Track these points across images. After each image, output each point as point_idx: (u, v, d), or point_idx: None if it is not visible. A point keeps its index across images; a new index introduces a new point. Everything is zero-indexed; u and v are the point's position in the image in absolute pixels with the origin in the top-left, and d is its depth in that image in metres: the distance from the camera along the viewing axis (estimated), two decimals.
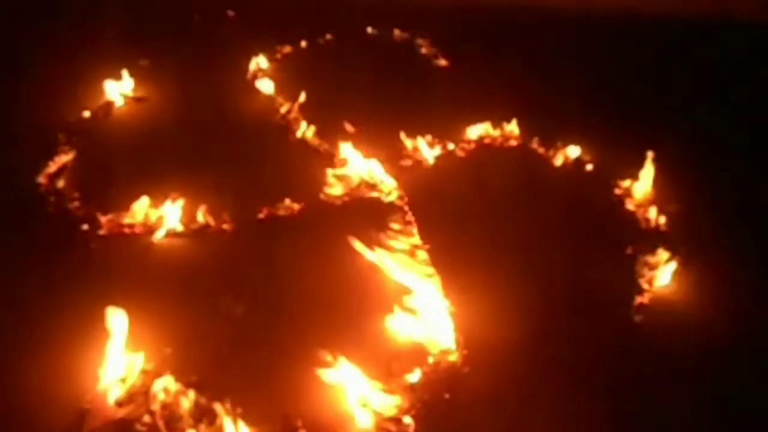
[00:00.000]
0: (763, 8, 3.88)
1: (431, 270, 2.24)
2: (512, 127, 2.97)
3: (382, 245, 2.28)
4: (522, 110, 3.03)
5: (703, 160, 2.86)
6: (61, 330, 1.96)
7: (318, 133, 2.91)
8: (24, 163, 2.61)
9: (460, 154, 2.88)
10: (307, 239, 2.40)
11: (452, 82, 3.37)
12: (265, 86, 3.23)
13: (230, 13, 3.84)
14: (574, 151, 2.84)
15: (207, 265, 2.30)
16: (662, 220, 2.53)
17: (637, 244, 2.42)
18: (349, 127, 2.91)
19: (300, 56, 3.53)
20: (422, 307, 2.09)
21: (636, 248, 2.40)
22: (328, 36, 3.65)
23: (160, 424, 1.75)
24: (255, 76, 3.30)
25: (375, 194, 2.62)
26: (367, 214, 2.51)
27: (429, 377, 1.92)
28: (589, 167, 2.82)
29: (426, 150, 2.84)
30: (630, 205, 2.63)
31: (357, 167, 2.69)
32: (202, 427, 1.75)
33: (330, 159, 2.78)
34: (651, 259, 2.34)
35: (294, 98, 3.09)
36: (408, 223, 2.46)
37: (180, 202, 2.45)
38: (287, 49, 3.55)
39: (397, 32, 3.70)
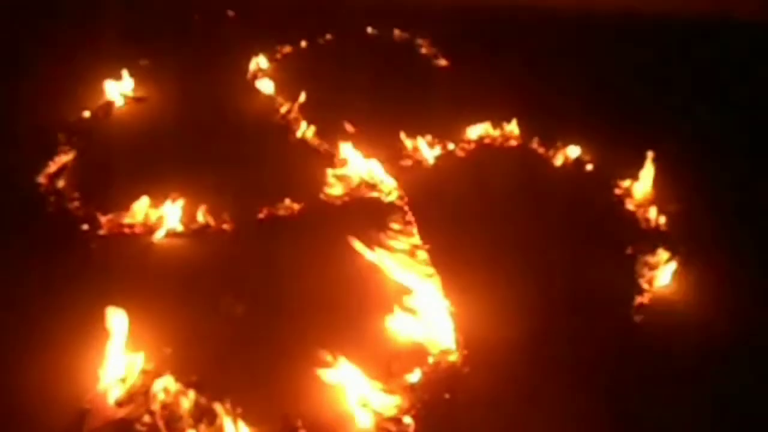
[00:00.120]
0: (763, 8, 3.88)
1: (431, 270, 2.24)
2: (512, 127, 2.97)
3: (382, 245, 2.28)
4: (522, 110, 3.03)
5: (703, 160, 2.86)
6: (61, 330, 1.96)
7: (318, 133, 2.91)
8: (24, 163, 2.61)
9: (460, 154, 2.88)
10: (307, 239, 2.40)
11: (452, 82, 3.37)
12: (265, 86, 3.23)
13: (230, 13, 3.84)
14: (574, 151, 2.84)
15: (207, 265, 2.30)
16: (662, 220, 2.53)
17: (637, 244, 2.42)
18: (349, 127, 2.91)
19: (300, 56, 3.53)
20: (422, 307, 2.09)
21: (636, 248, 2.40)
22: (328, 36, 3.65)
23: (160, 424, 1.75)
24: (255, 76, 3.30)
25: (375, 194, 2.62)
26: (367, 214, 2.51)
27: (429, 377, 1.92)
28: (589, 167, 2.82)
29: (426, 150, 2.84)
30: (630, 205, 2.63)
31: (357, 167, 2.69)
32: (202, 427, 1.75)
33: (330, 159, 2.78)
34: (651, 259, 2.34)
35: (294, 98, 3.09)
36: (408, 223, 2.46)
37: (180, 202, 2.45)
38: (287, 49, 3.54)
39: (397, 32, 3.70)
